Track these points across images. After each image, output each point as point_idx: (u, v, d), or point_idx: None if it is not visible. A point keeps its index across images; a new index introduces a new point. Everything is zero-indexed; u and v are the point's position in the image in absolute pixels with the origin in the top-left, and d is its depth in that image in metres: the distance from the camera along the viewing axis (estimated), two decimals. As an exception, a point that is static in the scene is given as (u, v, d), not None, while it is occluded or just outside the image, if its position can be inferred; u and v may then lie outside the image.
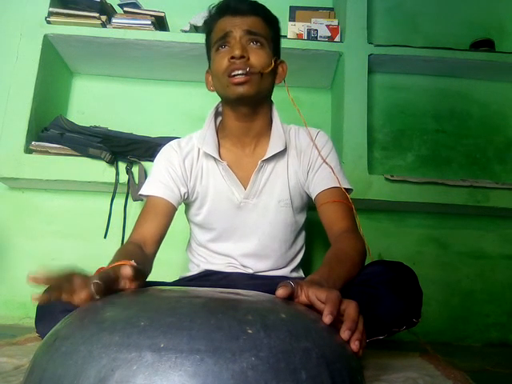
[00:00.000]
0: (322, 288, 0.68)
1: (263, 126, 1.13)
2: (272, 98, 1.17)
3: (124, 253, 0.94)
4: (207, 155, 1.12)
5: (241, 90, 1.01)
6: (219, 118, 1.18)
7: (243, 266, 1.14)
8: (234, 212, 1.12)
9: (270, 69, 1.05)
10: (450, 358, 1.02)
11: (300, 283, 0.69)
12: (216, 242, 1.15)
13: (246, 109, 1.08)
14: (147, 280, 1.03)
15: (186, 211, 1.21)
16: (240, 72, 1.00)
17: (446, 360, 1.01)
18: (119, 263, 0.74)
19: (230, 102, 1.08)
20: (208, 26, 1.11)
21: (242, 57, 1.00)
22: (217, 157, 1.10)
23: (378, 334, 0.90)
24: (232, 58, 1.00)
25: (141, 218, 1.08)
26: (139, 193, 1.15)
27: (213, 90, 1.12)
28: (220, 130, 1.16)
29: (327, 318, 0.60)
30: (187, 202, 1.18)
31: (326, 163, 1.11)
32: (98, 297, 0.62)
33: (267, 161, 1.11)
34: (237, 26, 1.03)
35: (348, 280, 0.87)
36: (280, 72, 1.12)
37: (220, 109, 1.17)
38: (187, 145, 1.15)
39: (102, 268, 0.77)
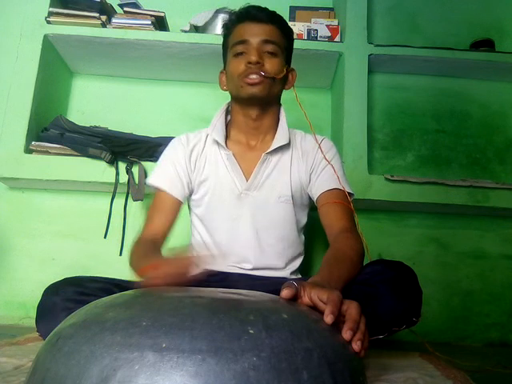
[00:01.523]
0: (323, 289, 0.68)
1: (270, 125, 1.19)
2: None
3: (149, 250, 1.02)
4: (213, 143, 1.17)
5: (254, 90, 1.08)
6: (228, 117, 1.23)
7: (242, 262, 1.15)
8: (234, 203, 1.14)
9: (282, 75, 1.11)
10: (450, 357, 1.02)
11: (303, 284, 0.70)
12: (216, 234, 1.17)
13: (256, 109, 1.14)
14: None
15: (189, 202, 1.23)
16: (255, 76, 1.07)
17: (446, 360, 1.01)
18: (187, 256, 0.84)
19: (241, 102, 1.14)
20: (227, 29, 1.17)
21: (257, 63, 1.07)
22: (223, 144, 1.15)
23: (378, 334, 0.91)
24: (249, 63, 1.07)
25: (150, 213, 1.15)
26: (147, 182, 1.20)
27: (225, 90, 1.19)
28: (228, 126, 1.21)
29: (328, 318, 0.60)
30: (191, 192, 1.20)
31: (329, 163, 1.14)
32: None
33: (271, 154, 1.15)
34: (255, 35, 1.10)
35: (348, 280, 0.88)
36: (290, 79, 1.19)
37: (229, 108, 1.22)
38: (195, 137, 1.20)
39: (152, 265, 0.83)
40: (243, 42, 1.10)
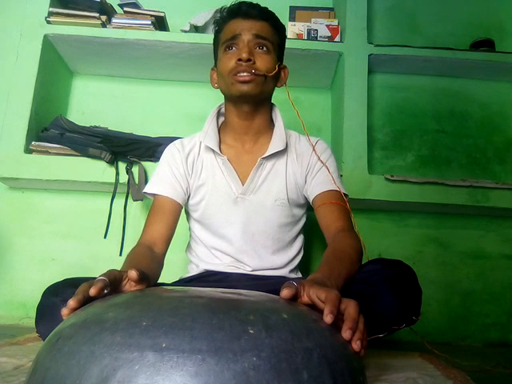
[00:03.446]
0: (322, 287, 0.68)
1: (263, 124, 1.17)
2: (273, 99, 1.19)
3: (135, 257, 0.99)
4: (208, 150, 1.16)
5: (245, 87, 1.06)
6: (221, 119, 1.22)
7: (240, 263, 1.15)
8: (231, 207, 1.14)
9: (273, 73, 1.09)
10: (450, 357, 1.02)
11: (302, 283, 0.70)
12: (214, 237, 1.17)
13: (248, 107, 1.12)
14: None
15: (186, 207, 1.22)
16: (245, 73, 1.05)
17: (446, 360, 1.01)
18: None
19: (233, 100, 1.12)
20: (218, 26, 1.15)
21: (248, 60, 1.05)
22: (217, 150, 1.13)
23: (377, 332, 0.91)
24: (239, 59, 1.05)
25: (149, 218, 1.12)
26: (143, 191, 1.19)
27: (217, 87, 1.17)
28: (222, 129, 1.20)
29: (328, 318, 0.60)
30: (188, 197, 1.19)
31: (324, 165, 1.14)
32: (105, 291, 0.67)
33: (267, 159, 1.14)
34: (246, 30, 1.08)
35: (348, 277, 0.88)
36: (282, 76, 1.17)
37: (222, 109, 1.21)
38: (190, 143, 1.19)
39: None
40: (234, 37, 1.08)
